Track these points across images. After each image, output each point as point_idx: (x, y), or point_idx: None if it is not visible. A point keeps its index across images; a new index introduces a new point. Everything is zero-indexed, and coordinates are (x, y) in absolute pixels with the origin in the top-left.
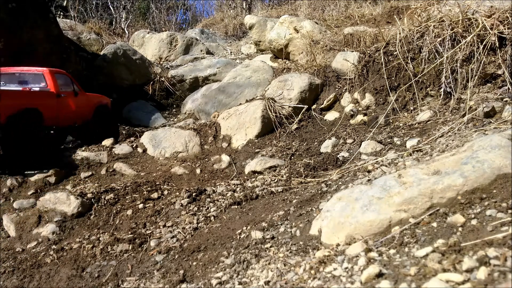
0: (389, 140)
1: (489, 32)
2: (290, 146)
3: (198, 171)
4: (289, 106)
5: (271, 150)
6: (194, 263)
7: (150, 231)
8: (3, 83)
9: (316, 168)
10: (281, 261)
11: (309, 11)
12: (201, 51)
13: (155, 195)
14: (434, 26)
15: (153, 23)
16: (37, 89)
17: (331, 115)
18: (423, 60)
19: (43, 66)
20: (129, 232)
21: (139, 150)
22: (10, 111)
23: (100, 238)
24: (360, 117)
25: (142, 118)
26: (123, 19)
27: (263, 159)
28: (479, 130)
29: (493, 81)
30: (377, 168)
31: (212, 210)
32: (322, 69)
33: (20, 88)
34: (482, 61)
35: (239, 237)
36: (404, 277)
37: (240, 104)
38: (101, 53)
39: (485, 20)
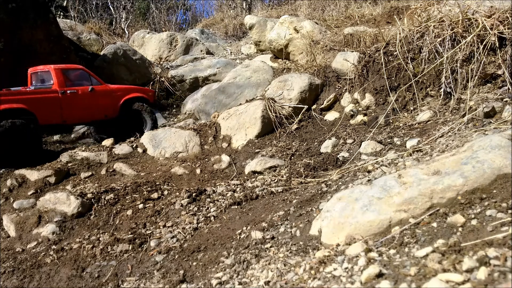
0: (389, 140)
1: (489, 32)
2: (290, 146)
3: (198, 171)
4: (289, 106)
5: (271, 150)
6: (194, 263)
7: (150, 231)
8: (34, 83)
9: (316, 168)
10: (281, 261)
11: (309, 11)
12: (201, 51)
13: (155, 195)
14: (434, 26)
15: (153, 23)
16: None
17: (331, 115)
18: (423, 60)
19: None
20: (129, 232)
21: (139, 150)
22: None
23: (100, 238)
24: (360, 117)
25: None
26: (123, 19)
27: (263, 159)
28: (479, 130)
29: (493, 81)
30: (377, 168)
31: (212, 210)
32: (322, 69)
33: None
34: (482, 61)
35: (239, 237)
36: (404, 277)
37: (240, 104)
38: (101, 53)
39: (485, 20)
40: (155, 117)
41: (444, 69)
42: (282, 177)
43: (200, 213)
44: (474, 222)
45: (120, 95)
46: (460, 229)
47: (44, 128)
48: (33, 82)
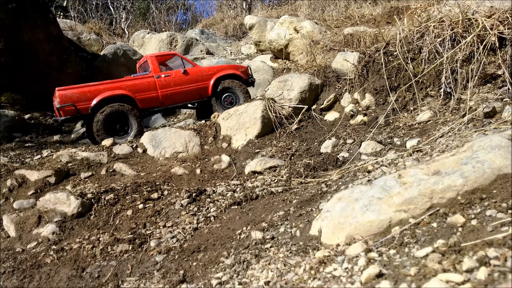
0: (389, 140)
1: (489, 33)
2: (290, 146)
3: (198, 171)
4: (289, 106)
5: (271, 150)
6: (194, 263)
7: (150, 231)
8: (138, 74)
9: (316, 168)
10: (281, 262)
11: (309, 11)
12: (201, 51)
13: (155, 195)
14: (434, 26)
15: (153, 23)
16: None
17: (331, 115)
18: (423, 60)
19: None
20: (129, 232)
21: (139, 150)
22: (88, 104)
23: (100, 238)
24: (360, 117)
25: None
26: (123, 19)
27: (263, 159)
28: (479, 130)
29: (493, 81)
30: (377, 168)
31: (212, 210)
32: (322, 69)
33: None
34: (482, 61)
35: (239, 237)
36: (404, 277)
37: (240, 104)
38: (101, 53)
39: (485, 20)
40: (248, 93)
41: (444, 69)
42: (282, 177)
43: (200, 213)
44: (474, 222)
45: (211, 74)
46: (460, 229)
47: (146, 112)
48: (139, 73)
